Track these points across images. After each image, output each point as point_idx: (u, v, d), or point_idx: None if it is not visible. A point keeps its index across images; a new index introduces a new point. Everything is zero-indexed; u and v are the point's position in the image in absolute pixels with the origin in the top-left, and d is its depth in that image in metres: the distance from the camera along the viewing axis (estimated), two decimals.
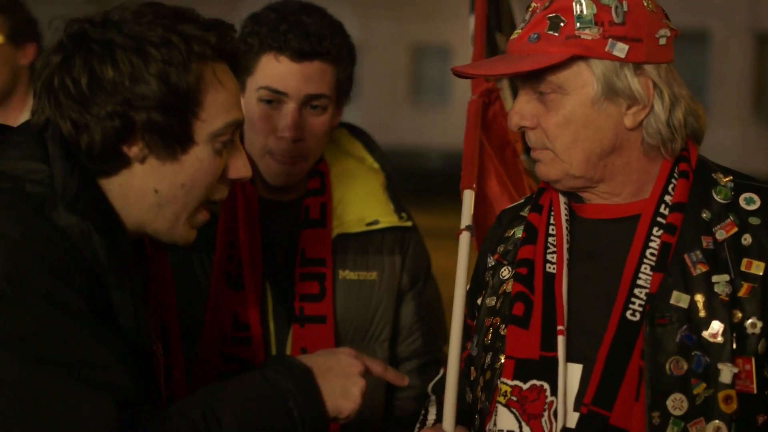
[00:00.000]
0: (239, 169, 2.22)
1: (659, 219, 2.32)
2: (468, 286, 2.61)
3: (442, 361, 3.15)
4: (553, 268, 2.37)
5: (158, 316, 2.32)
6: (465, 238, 2.51)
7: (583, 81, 2.29)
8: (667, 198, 2.34)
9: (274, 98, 2.84)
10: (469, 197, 2.56)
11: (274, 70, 2.83)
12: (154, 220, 2.18)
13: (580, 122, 2.30)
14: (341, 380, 2.22)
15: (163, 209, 2.17)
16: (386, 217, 3.02)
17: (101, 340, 2.03)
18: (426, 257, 3.14)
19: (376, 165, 3.10)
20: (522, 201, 2.59)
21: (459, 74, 2.41)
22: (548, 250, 2.40)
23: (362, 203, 3.01)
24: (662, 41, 2.31)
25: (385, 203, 3.04)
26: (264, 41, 2.83)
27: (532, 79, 2.31)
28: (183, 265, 2.82)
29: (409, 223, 3.06)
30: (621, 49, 2.27)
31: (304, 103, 2.85)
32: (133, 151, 2.12)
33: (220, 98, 2.16)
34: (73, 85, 2.09)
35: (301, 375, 2.17)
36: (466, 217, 2.54)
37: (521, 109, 2.35)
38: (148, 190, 2.15)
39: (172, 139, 2.12)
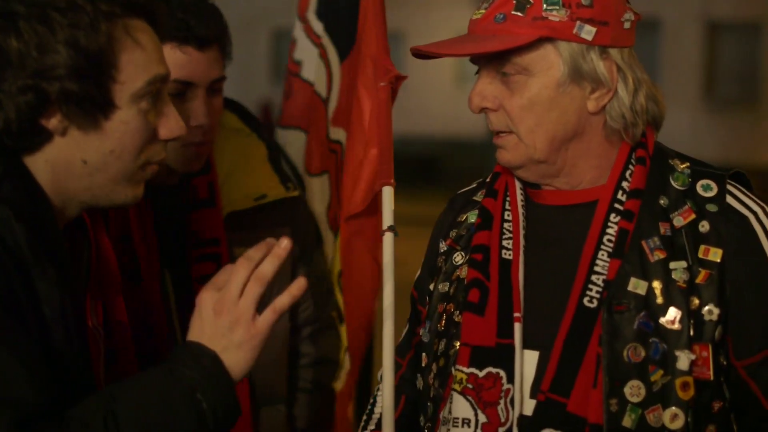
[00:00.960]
0: (171, 128, 2.13)
1: (617, 205, 2.30)
2: (418, 273, 2.58)
3: (335, 327, 3.22)
4: (509, 255, 2.35)
5: (100, 298, 2.24)
6: (388, 240, 2.46)
7: (549, 63, 2.26)
8: (625, 184, 2.32)
9: (180, 90, 2.77)
10: (388, 194, 2.50)
11: (179, 61, 2.76)
12: (89, 189, 2.09)
13: (545, 105, 2.27)
14: (248, 351, 2.08)
15: (94, 178, 2.08)
16: (273, 190, 3.01)
17: (9, 348, 1.92)
18: (314, 225, 3.15)
19: (253, 135, 3.06)
20: (474, 185, 2.56)
21: (419, 54, 2.36)
22: (504, 236, 2.37)
23: (248, 178, 2.98)
24: (627, 25, 2.29)
25: (270, 176, 3.02)
26: (164, 30, 2.77)
27: (495, 59, 2.28)
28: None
29: (296, 193, 3.05)
30: (588, 32, 2.24)
31: (208, 88, 2.82)
32: (52, 123, 2.03)
33: (136, 56, 2.06)
34: None
35: (209, 363, 2.04)
36: (388, 216, 2.48)
37: (483, 90, 2.31)
38: (76, 162, 2.07)
39: (91, 106, 2.03)
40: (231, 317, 2.05)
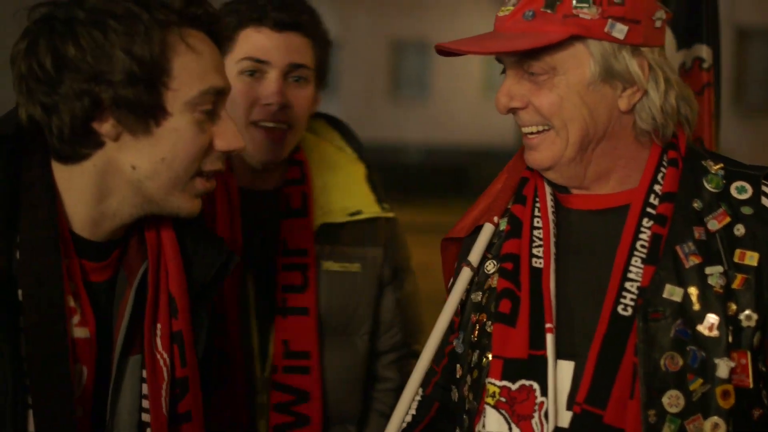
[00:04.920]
0: (228, 140, 2.14)
1: (649, 209, 2.25)
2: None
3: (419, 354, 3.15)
4: (540, 263, 2.30)
5: (166, 320, 2.19)
6: (465, 273, 2.40)
7: (579, 61, 2.21)
8: (657, 187, 2.26)
9: (255, 68, 2.82)
10: (487, 231, 2.43)
11: (255, 41, 2.83)
12: (137, 196, 2.10)
13: (575, 102, 2.22)
14: None
15: (144, 185, 2.09)
16: (369, 208, 2.99)
17: None
18: (406, 249, 3.11)
19: (354, 155, 3.07)
20: None
21: (444, 51, 2.29)
22: (534, 244, 2.32)
23: (345, 193, 2.98)
24: (658, 24, 2.24)
25: (367, 193, 3.01)
26: (243, 16, 2.83)
27: (523, 58, 2.23)
28: None
29: (391, 214, 3.04)
30: (620, 30, 2.19)
31: (286, 73, 2.83)
32: (105, 128, 2.05)
33: (191, 65, 2.08)
34: (39, 68, 2.03)
35: None
36: (477, 251, 2.41)
37: (510, 90, 2.26)
38: (126, 167, 2.08)
39: (144, 112, 2.05)
40: None
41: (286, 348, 2.85)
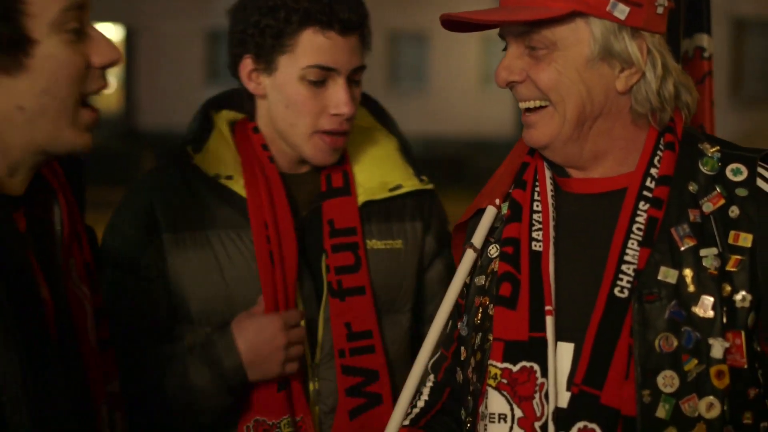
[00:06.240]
0: (104, 53, 1.98)
1: (645, 193, 2.28)
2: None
3: None
4: (539, 246, 2.33)
5: (79, 255, 2.13)
6: (468, 256, 2.43)
7: (579, 38, 2.24)
8: (653, 171, 2.30)
9: (324, 76, 2.76)
10: (490, 214, 2.45)
11: (323, 46, 2.74)
12: (33, 140, 1.96)
13: (573, 78, 2.25)
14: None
15: (36, 125, 1.95)
16: (408, 181, 2.94)
17: None
18: (446, 219, 3.06)
19: (384, 130, 3.01)
20: None
21: (449, 23, 2.32)
22: (533, 228, 2.35)
23: (382, 168, 2.93)
24: (659, 10, 2.27)
25: (404, 167, 2.96)
26: (306, 16, 2.73)
27: (524, 33, 2.26)
28: (199, 244, 2.78)
29: (430, 186, 2.98)
30: (622, 11, 2.23)
31: (348, 77, 2.79)
32: None
33: None
34: None
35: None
36: (480, 234, 2.43)
37: (510, 64, 2.29)
38: (12, 111, 1.94)
39: (9, 46, 1.89)
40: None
41: (349, 330, 2.81)
